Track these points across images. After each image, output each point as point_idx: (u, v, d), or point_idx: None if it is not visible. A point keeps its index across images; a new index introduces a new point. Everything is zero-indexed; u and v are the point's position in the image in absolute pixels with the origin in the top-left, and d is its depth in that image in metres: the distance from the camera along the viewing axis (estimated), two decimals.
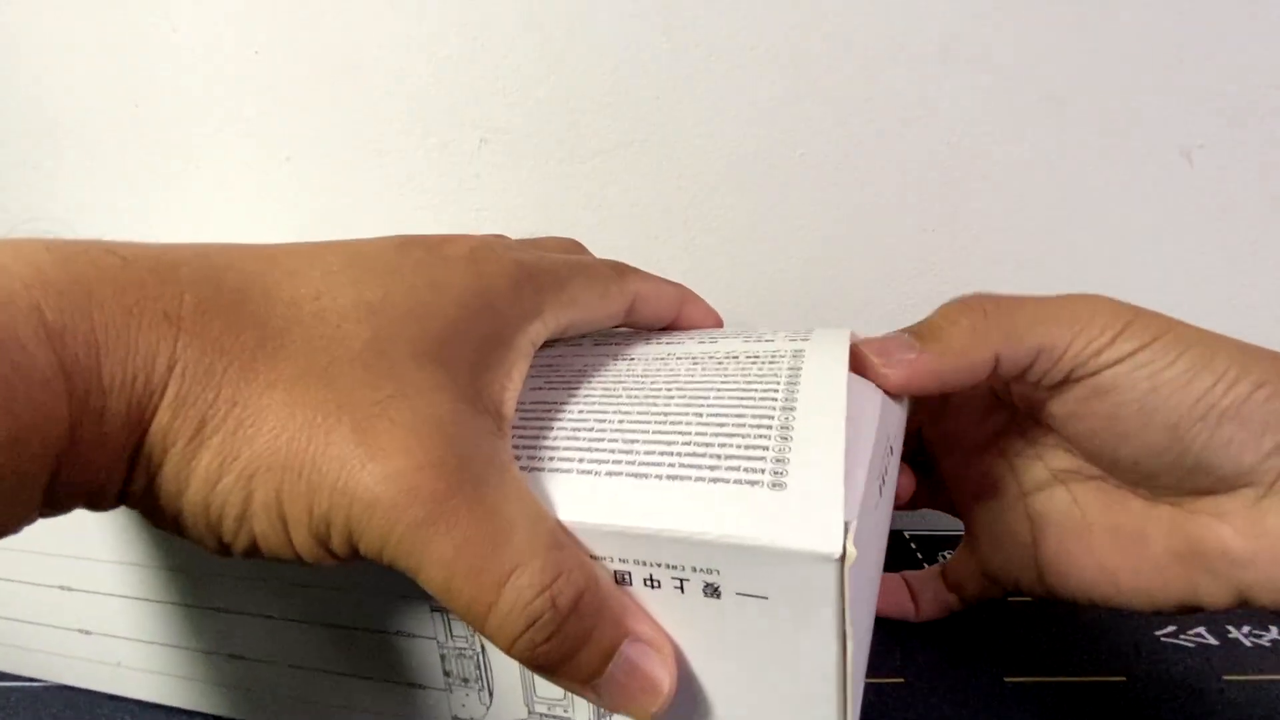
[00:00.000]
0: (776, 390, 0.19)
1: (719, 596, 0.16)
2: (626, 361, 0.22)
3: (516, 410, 0.19)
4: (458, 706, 0.21)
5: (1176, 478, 0.22)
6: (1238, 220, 0.36)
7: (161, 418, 0.15)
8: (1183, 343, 0.21)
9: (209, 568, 0.22)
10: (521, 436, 0.19)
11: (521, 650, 0.15)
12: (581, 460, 0.18)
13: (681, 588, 0.16)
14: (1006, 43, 0.33)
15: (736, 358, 0.21)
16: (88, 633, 0.25)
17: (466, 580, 0.15)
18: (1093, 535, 0.24)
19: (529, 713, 0.20)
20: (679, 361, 0.21)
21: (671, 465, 0.17)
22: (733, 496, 0.16)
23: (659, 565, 0.16)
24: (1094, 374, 0.22)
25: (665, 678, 0.16)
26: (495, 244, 0.20)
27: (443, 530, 0.15)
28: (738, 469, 0.16)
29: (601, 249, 0.37)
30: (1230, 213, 0.36)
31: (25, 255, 0.15)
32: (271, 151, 0.36)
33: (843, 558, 0.15)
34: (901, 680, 0.26)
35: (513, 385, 0.18)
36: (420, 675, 0.21)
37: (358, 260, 0.18)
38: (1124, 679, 0.26)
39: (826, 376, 0.19)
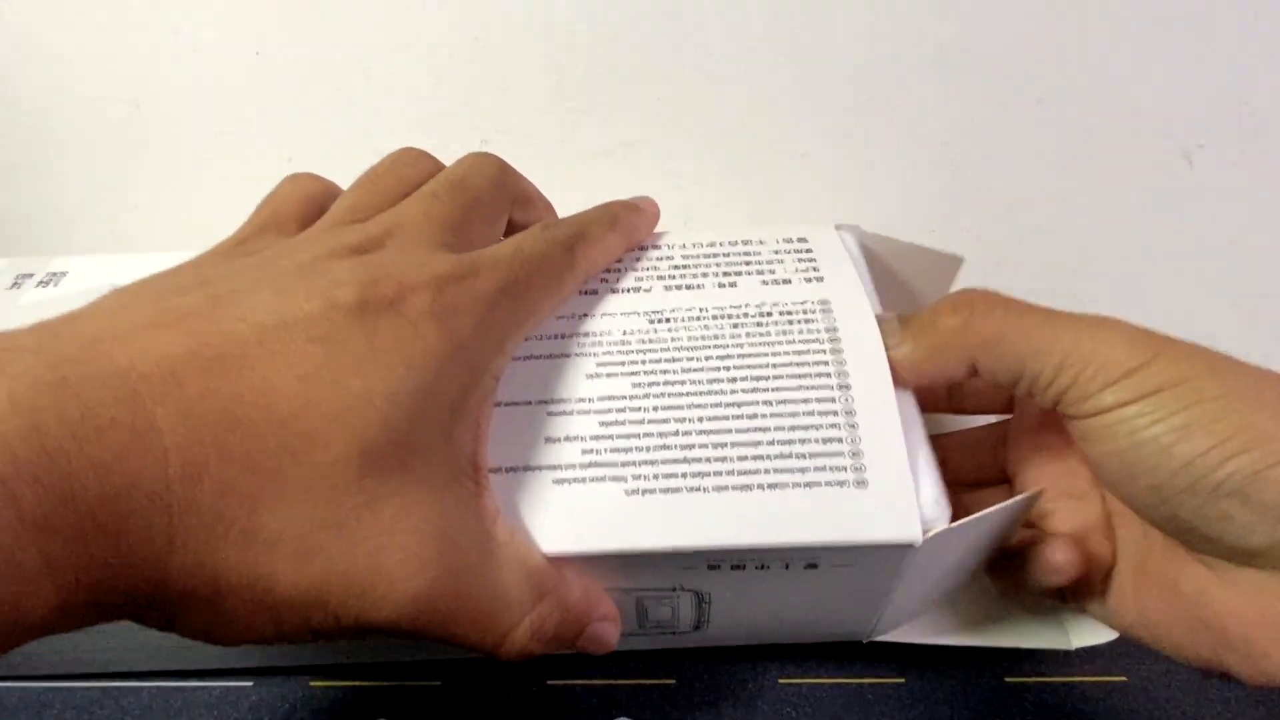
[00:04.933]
0: (827, 365, 0.21)
1: (818, 568, 0.20)
2: (665, 326, 0.22)
3: (597, 409, 0.21)
4: None
5: (1184, 539, 0.19)
6: (1238, 220, 0.36)
7: (174, 581, 0.15)
8: (1191, 396, 0.18)
9: None
10: (615, 449, 0.20)
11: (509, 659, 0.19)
12: (685, 475, 0.20)
13: (787, 567, 0.20)
14: (1006, 43, 0.33)
15: (770, 314, 0.22)
16: None
17: (474, 641, 0.18)
18: (1132, 570, 0.21)
19: (639, 628, 0.23)
20: (718, 323, 0.22)
21: (767, 472, 0.19)
22: (829, 502, 0.19)
23: (773, 560, 0.20)
24: (1074, 418, 0.20)
25: (612, 637, 0.21)
26: (453, 277, 0.19)
27: (452, 624, 0.18)
28: (824, 469, 0.19)
29: None
30: (1230, 213, 0.36)
31: None
32: (271, 151, 0.36)
33: (919, 544, 0.19)
34: (902, 680, 0.26)
35: (483, 429, 0.20)
36: None
37: (328, 350, 0.17)
38: (1125, 679, 0.26)
39: (865, 345, 0.21)
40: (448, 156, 0.32)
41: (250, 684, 0.26)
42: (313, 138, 0.35)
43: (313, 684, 0.26)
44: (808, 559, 0.20)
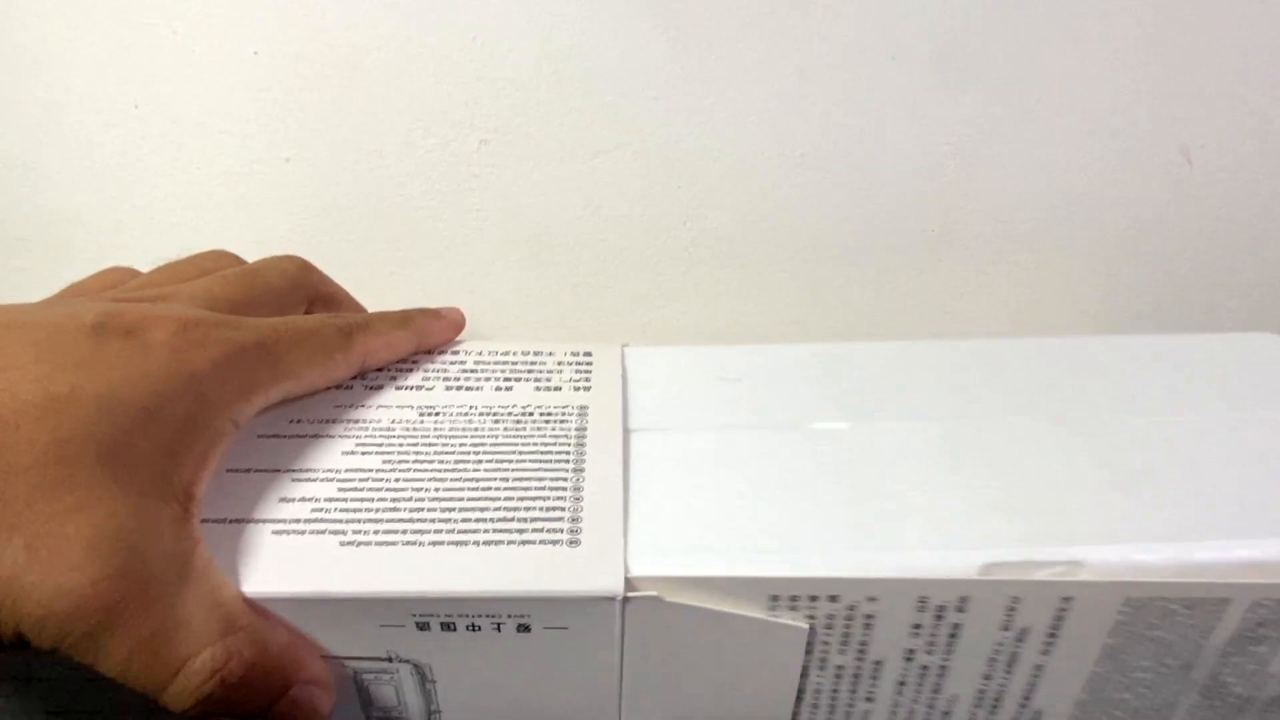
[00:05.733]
0: (568, 453, 0.23)
1: (530, 631, 0.20)
2: (433, 419, 0.24)
3: (341, 478, 0.21)
4: None
5: None
6: (1238, 220, 0.36)
7: None
8: None
9: None
10: (345, 509, 0.21)
11: (194, 716, 0.17)
12: (405, 532, 0.20)
13: (499, 629, 0.20)
14: (1005, 43, 0.33)
15: (532, 415, 0.24)
16: None
17: (142, 672, 0.16)
18: None
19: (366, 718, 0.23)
20: (482, 419, 0.24)
21: (487, 531, 0.20)
22: (540, 557, 0.20)
23: (481, 616, 0.20)
24: None
25: (323, 705, 0.20)
26: (206, 322, 0.19)
27: (118, 635, 0.16)
28: (542, 530, 0.20)
29: (602, 249, 0.37)
30: (1230, 213, 0.36)
31: None
32: (270, 152, 0.36)
33: (622, 598, 0.19)
34: None
35: (208, 468, 0.19)
36: None
37: (48, 352, 0.17)
38: None
39: (606, 439, 0.23)
40: (447, 156, 0.32)
41: None
42: (311, 138, 0.35)
43: None
44: (517, 616, 0.20)
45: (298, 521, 0.20)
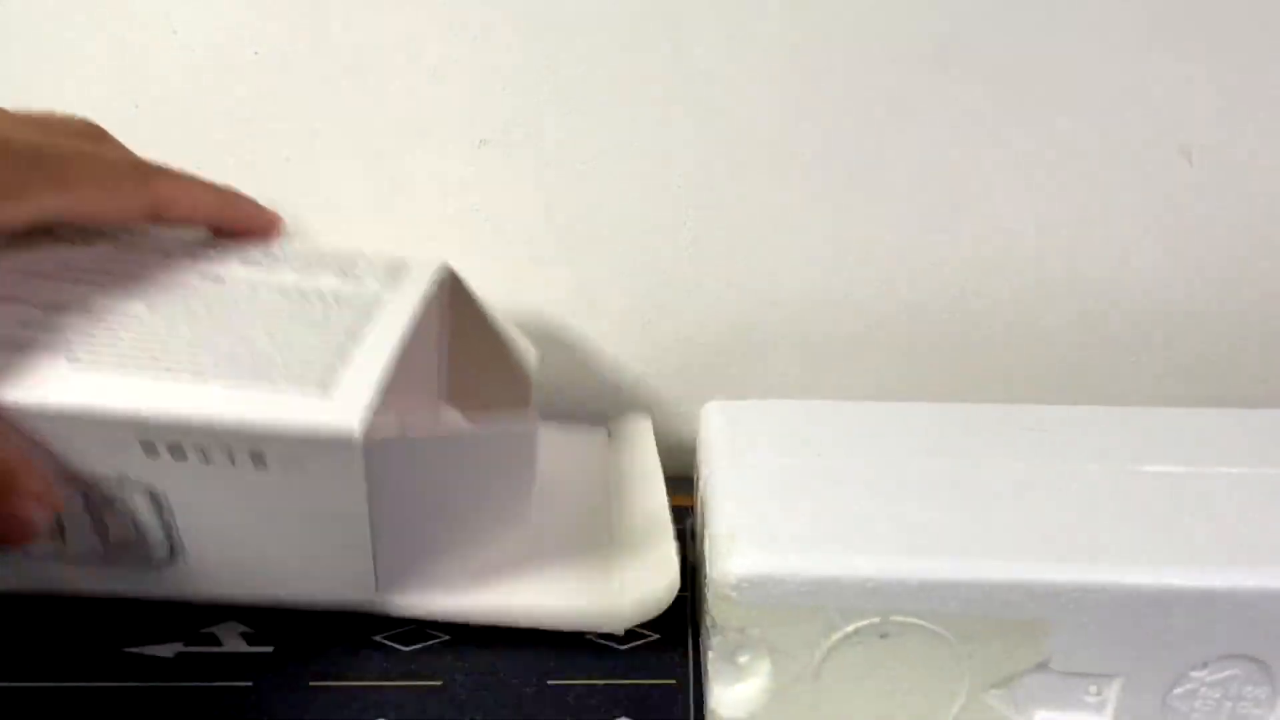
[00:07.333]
0: (346, 327, 0.21)
1: (267, 468, 0.19)
2: (215, 285, 0.23)
3: (93, 314, 0.20)
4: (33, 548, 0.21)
5: None
6: (1238, 220, 0.36)
7: None
8: None
9: None
10: (87, 335, 0.20)
11: None
12: (142, 362, 0.19)
13: (233, 462, 0.19)
14: (1004, 43, 0.33)
15: (324, 297, 0.23)
16: None
17: None
18: None
19: (105, 546, 0.22)
20: (270, 293, 0.23)
21: (234, 375, 0.19)
22: (277, 395, 0.19)
23: (211, 446, 0.19)
24: None
25: (42, 522, 0.19)
26: None
27: None
28: (294, 379, 0.19)
29: (602, 248, 0.37)
30: (1230, 213, 0.36)
31: None
32: (270, 152, 0.36)
33: (357, 437, 0.18)
34: None
35: None
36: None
37: None
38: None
39: (395, 319, 0.22)
40: (447, 156, 0.32)
41: (250, 684, 0.25)
42: (312, 138, 0.35)
43: (312, 684, 0.26)
44: (250, 448, 0.19)
45: (34, 340, 0.19)
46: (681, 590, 0.25)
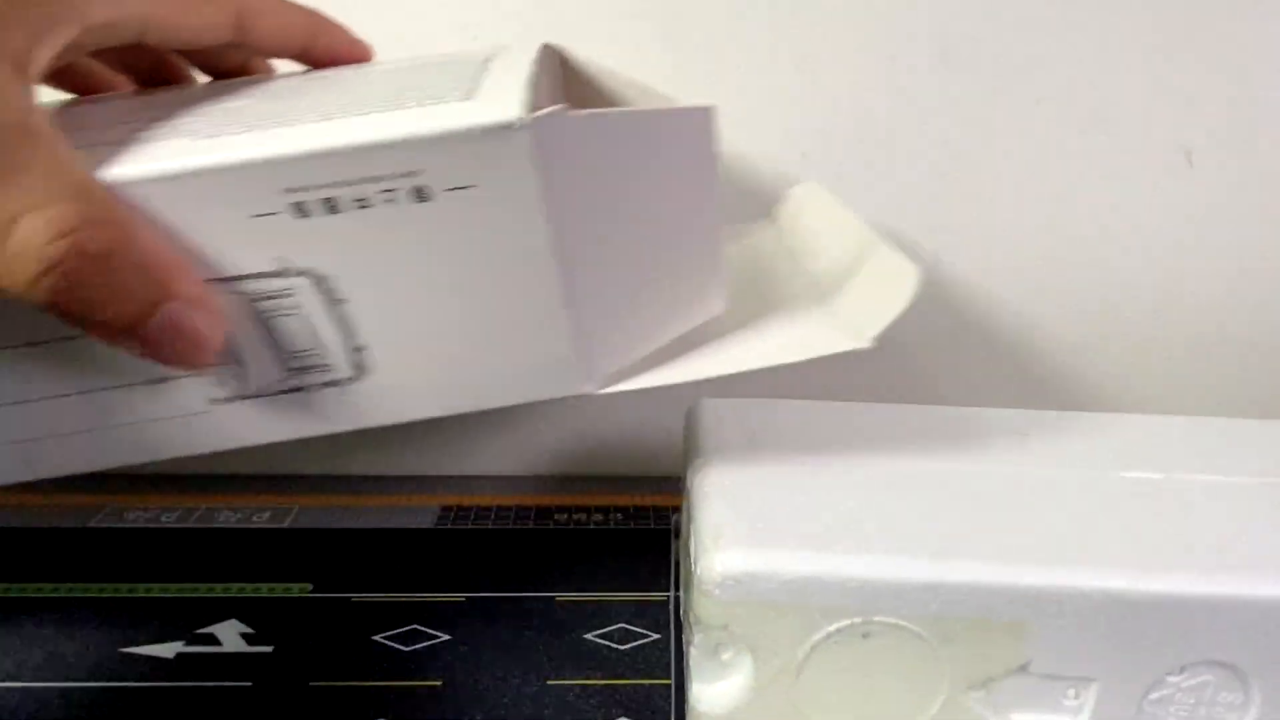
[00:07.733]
0: (472, 70, 0.21)
1: (431, 198, 0.17)
2: (320, 79, 0.23)
3: (206, 111, 0.19)
4: (211, 389, 0.20)
5: None
6: (1238, 220, 0.36)
7: None
8: None
9: None
10: (207, 120, 0.19)
11: (40, 294, 0.15)
12: (270, 122, 0.18)
13: (392, 201, 0.17)
14: (1005, 43, 0.33)
15: (435, 61, 0.23)
16: None
17: None
18: None
19: (286, 370, 0.20)
20: (379, 72, 0.23)
21: (370, 108, 0.18)
22: (422, 111, 0.17)
23: (365, 181, 0.17)
24: None
25: (211, 334, 0.17)
26: None
27: None
28: (427, 100, 0.18)
29: None
30: (1230, 213, 0.36)
31: None
32: None
33: (526, 126, 0.17)
34: None
35: (45, 43, 0.17)
36: (155, 370, 0.20)
37: None
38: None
39: (520, 56, 0.22)
40: None
41: (250, 684, 0.26)
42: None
43: (312, 684, 0.26)
44: (409, 172, 0.17)
45: (158, 132, 0.18)
46: (672, 590, 0.25)
